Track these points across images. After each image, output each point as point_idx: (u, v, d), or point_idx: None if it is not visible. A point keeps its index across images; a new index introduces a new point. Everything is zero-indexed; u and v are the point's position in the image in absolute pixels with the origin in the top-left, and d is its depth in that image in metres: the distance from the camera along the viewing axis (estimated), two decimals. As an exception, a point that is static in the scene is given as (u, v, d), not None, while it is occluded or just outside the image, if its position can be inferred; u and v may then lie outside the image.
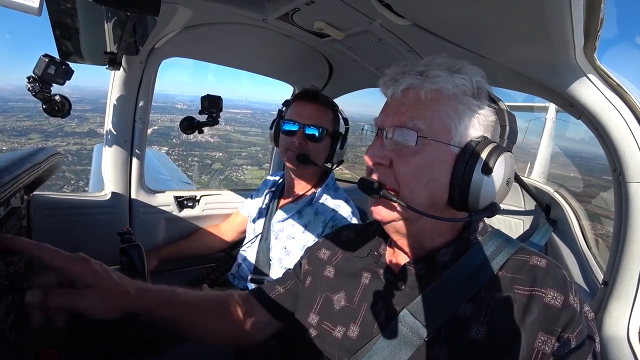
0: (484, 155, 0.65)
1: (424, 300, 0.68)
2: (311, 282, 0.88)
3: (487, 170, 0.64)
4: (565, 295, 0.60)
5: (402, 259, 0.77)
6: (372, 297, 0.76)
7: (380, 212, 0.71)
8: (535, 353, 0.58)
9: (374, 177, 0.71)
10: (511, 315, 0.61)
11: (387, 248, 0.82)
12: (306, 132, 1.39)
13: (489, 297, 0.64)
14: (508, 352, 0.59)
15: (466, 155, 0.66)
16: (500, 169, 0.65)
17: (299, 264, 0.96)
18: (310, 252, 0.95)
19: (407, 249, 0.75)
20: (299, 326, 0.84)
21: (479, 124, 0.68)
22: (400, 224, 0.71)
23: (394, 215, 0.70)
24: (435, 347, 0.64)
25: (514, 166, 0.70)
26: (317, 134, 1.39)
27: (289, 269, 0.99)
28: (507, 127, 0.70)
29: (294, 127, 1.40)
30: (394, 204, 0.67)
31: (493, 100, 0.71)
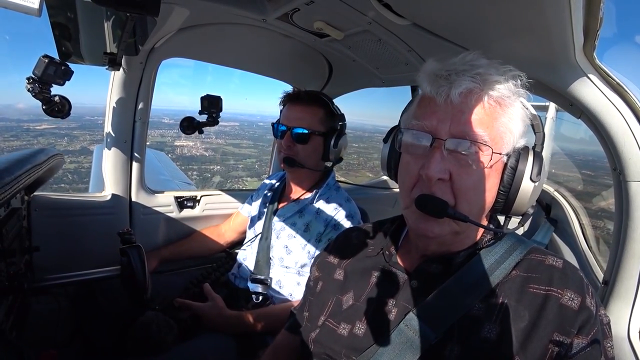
0: (529, 162, 0.66)
1: (433, 301, 0.67)
2: (322, 286, 0.88)
3: (535, 177, 0.66)
4: (582, 296, 0.60)
5: (418, 258, 0.76)
6: (381, 295, 0.75)
7: (432, 230, 0.66)
8: (550, 353, 0.58)
9: (433, 192, 0.64)
10: (525, 314, 0.61)
11: (400, 247, 0.81)
12: (293, 133, 1.39)
13: (502, 296, 0.64)
14: (521, 351, 0.58)
15: (515, 162, 0.67)
16: (544, 176, 0.67)
17: (309, 278, 0.96)
18: (319, 258, 0.95)
19: (429, 253, 0.74)
20: (307, 328, 0.83)
21: (523, 131, 0.68)
22: (447, 237, 0.69)
23: (447, 230, 0.66)
24: (447, 348, 0.63)
25: None
26: (303, 135, 1.38)
27: (305, 292, 0.97)
28: (542, 134, 0.72)
29: (282, 128, 1.41)
30: (446, 219, 0.64)
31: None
